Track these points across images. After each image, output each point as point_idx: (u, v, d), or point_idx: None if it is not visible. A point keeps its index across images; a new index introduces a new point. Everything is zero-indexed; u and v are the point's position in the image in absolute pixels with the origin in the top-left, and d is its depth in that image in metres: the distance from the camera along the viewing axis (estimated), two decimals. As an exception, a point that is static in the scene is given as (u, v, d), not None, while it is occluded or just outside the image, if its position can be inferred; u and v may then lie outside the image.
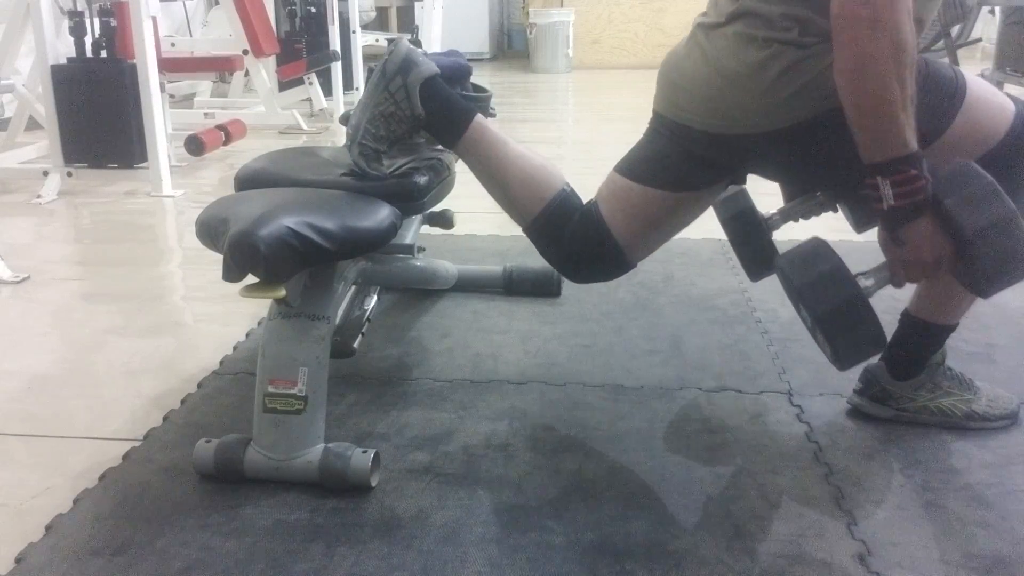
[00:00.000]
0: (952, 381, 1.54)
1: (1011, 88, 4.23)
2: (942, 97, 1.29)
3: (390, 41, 1.59)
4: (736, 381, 1.73)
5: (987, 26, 6.03)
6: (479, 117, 1.50)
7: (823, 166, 1.36)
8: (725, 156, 1.40)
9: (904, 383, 1.53)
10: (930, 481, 1.38)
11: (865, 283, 1.28)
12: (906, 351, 1.53)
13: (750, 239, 1.65)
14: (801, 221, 1.63)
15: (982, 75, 4.18)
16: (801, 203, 1.60)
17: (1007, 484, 1.37)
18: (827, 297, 1.25)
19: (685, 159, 1.42)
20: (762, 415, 1.60)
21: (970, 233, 1.19)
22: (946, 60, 4.10)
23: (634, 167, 1.47)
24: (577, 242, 1.48)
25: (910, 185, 1.18)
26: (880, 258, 1.31)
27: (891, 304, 1.63)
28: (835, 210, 1.58)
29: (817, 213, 1.61)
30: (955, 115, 1.30)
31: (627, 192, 1.46)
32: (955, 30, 4.24)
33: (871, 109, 1.16)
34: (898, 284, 1.30)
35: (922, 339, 1.53)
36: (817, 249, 1.30)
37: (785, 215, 1.63)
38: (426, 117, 1.47)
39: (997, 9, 4.90)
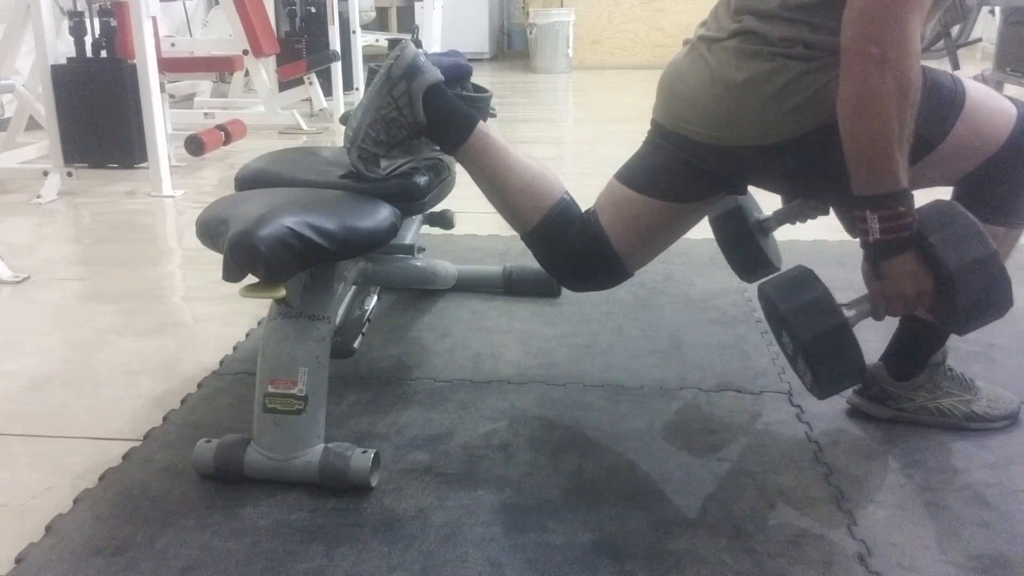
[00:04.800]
0: (952, 382, 1.54)
1: (1011, 88, 4.23)
2: (941, 104, 1.30)
3: (391, 41, 1.58)
4: (736, 381, 1.73)
5: (987, 26, 6.02)
6: (481, 125, 1.50)
7: (821, 178, 1.36)
8: (724, 168, 1.41)
9: (904, 383, 1.53)
10: (930, 481, 1.38)
11: (847, 314, 1.30)
12: (906, 350, 1.53)
13: (737, 241, 1.66)
14: (798, 224, 1.63)
15: (982, 75, 4.17)
16: (797, 206, 1.61)
17: (1007, 484, 1.37)
18: (813, 324, 1.27)
19: (685, 170, 1.43)
20: (762, 415, 1.60)
21: (952, 270, 1.21)
22: (947, 62, 4.10)
23: (634, 176, 1.48)
24: (576, 251, 1.49)
25: (897, 221, 1.20)
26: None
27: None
28: (827, 213, 1.58)
29: (813, 216, 1.62)
30: (955, 121, 1.30)
31: (627, 202, 1.47)
32: (955, 30, 4.24)
33: (868, 144, 1.18)
34: (878, 316, 1.32)
35: (922, 337, 1.53)
36: (804, 277, 1.32)
37: (780, 218, 1.64)
38: (428, 124, 1.47)
39: (997, 9, 4.90)
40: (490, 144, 1.49)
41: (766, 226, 1.65)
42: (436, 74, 1.46)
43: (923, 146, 1.24)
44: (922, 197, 1.27)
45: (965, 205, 1.30)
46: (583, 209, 1.52)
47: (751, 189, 1.63)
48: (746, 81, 1.29)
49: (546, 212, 1.48)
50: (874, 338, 1.61)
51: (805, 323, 1.27)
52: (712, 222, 1.67)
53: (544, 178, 1.51)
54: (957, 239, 1.22)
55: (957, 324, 1.30)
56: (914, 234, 1.22)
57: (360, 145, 1.48)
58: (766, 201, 1.70)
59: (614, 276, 1.51)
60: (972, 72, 4.22)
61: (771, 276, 1.40)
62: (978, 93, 1.33)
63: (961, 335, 1.33)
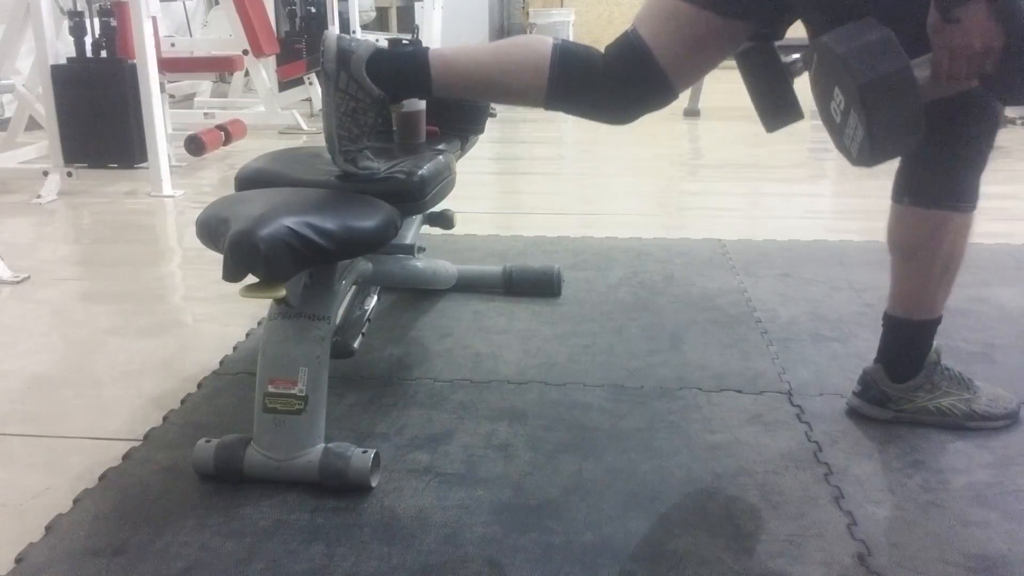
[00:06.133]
0: (950, 381, 1.54)
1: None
2: None
3: (390, 41, 1.59)
4: (736, 381, 1.73)
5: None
6: (432, 53, 1.46)
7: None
8: None
9: (902, 385, 1.53)
10: (930, 481, 1.38)
11: None
12: (898, 352, 1.53)
13: (767, 79, 1.59)
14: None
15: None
16: None
17: (1007, 484, 1.37)
18: (876, 64, 1.19)
19: None
20: (762, 415, 1.60)
21: None
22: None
23: None
24: (618, 75, 1.45)
25: None
26: None
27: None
28: None
29: None
30: None
31: (672, 12, 1.43)
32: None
33: None
34: (939, 76, 1.24)
35: (908, 338, 1.52)
36: (868, 22, 1.24)
37: (808, 60, 1.59)
38: (388, 94, 1.45)
39: (997, 9, 4.89)
40: (452, 60, 1.46)
41: (793, 68, 1.59)
42: (366, 45, 1.44)
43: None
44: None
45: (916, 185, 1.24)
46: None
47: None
48: None
49: (548, 68, 1.44)
50: (873, 337, 1.61)
51: (867, 63, 1.19)
52: (739, 58, 1.59)
53: (521, 44, 1.48)
54: None
55: (1019, 90, 1.22)
56: None
57: (341, 151, 1.47)
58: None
59: (660, 91, 1.47)
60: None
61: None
62: None
63: (1020, 103, 1.24)
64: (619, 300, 2.19)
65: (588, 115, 1.52)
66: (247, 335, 2.00)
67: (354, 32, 5.21)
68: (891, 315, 1.53)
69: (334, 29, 5.02)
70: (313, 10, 5.44)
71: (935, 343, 1.53)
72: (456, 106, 1.94)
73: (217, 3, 5.70)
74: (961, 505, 1.32)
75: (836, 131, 1.32)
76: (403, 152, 1.71)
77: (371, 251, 1.47)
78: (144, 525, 1.28)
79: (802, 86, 1.50)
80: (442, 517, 1.29)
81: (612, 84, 1.46)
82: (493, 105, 1.75)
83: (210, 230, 1.37)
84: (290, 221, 1.28)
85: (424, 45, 1.57)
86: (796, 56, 1.58)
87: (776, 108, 1.60)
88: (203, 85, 5.54)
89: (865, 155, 1.26)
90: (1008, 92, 1.28)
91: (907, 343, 1.53)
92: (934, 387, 1.53)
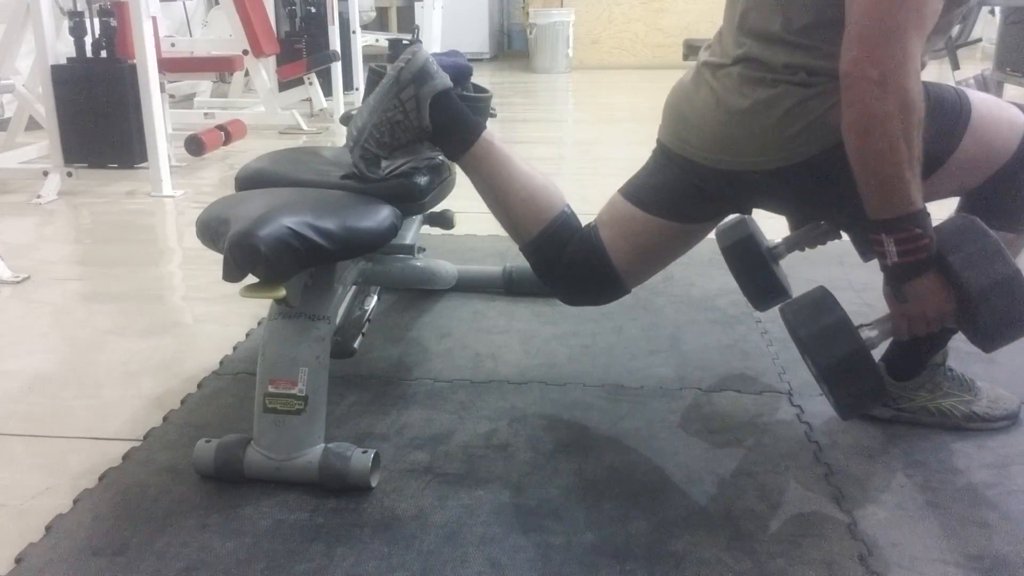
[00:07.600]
0: (952, 382, 1.54)
1: (1011, 88, 4.23)
2: (946, 120, 1.30)
3: (391, 41, 1.59)
4: (736, 381, 1.73)
5: (987, 26, 6.02)
6: (486, 134, 1.49)
7: (830, 202, 1.36)
8: (731, 191, 1.41)
9: (904, 383, 1.53)
10: (930, 481, 1.38)
11: (868, 334, 1.31)
12: (907, 352, 1.53)
13: (752, 268, 1.65)
14: (807, 250, 1.63)
15: (982, 75, 4.17)
16: (807, 232, 1.60)
17: (1007, 484, 1.37)
18: (830, 350, 1.27)
19: (691, 192, 1.43)
20: (762, 415, 1.60)
21: (974, 293, 1.20)
22: (947, 62, 4.07)
23: (640, 194, 1.48)
24: (574, 265, 1.49)
25: (914, 243, 1.20)
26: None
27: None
28: (840, 238, 1.57)
29: (823, 242, 1.60)
30: (963, 135, 1.30)
31: (630, 219, 1.47)
32: (955, 30, 4.24)
33: (877, 168, 1.17)
34: (900, 336, 1.32)
35: (924, 340, 1.52)
36: (822, 301, 1.32)
37: (790, 245, 1.62)
38: (433, 130, 1.46)
39: (997, 9, 4.90)
40: (494, 153, 1.48)
41: (776, 253, 1.64)
42: (445, 80, 1.46)
43: (931, 163, 1.24)
44: (935, 209, 1.26)
45: (972, 212, 1.30)
46: (584, 223, 1.52)
47: (756, 218, 1.63)
48: (750, 107, 1.29)
49: (546, 224, 1.48)
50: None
51: (823, 348, 1.28)
52: (724, 252, 1.66)
53: (546, 190, 1.51)
54: (978, 259, 1.21)
55: (981, 343, 1.29)
56: (933, 255, 1.21)
57: (363, 145, 1.47)
58: (769, 226, 1.69)
59: (611, 292, 1.52)
60: (972, 72, 4.22)
61: (790, 300, 1.40)
62: (984, 106, 1.33)
63: (988, 352, 1.32)
64: (619, 300, 2.18)
65: (544, 281, 1.55)
66: (247, 335, 2.00)
67: (354, 32, 5.20)
68: None
69: (334, 30, 5.02)
70: (313, 10, 5.43)
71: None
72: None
73: (217, 3, 5.70)
74: (961, 505, 1.32)
75: (815, 380, 1.41)
76: (403, 153, 1.71)
77: (371, 251, 1.47)
78: (144, 525, 1.28)
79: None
80: (442, 517, 1.29)
81: (570, 269, 1.49)
82: (493, 105, 1.75)
83: (210, 230, 1.37)
84: (290, 221, 1.28)
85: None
86: (779, 242, 1.62)
87: (763, 292, 1.67)
88: (203, 85, 5.54)
89: (839, 413, 1.37)
90: (974, 342, 1.32)
91: (920, 343, 1.52)
92: (936, 387, 1.53)
